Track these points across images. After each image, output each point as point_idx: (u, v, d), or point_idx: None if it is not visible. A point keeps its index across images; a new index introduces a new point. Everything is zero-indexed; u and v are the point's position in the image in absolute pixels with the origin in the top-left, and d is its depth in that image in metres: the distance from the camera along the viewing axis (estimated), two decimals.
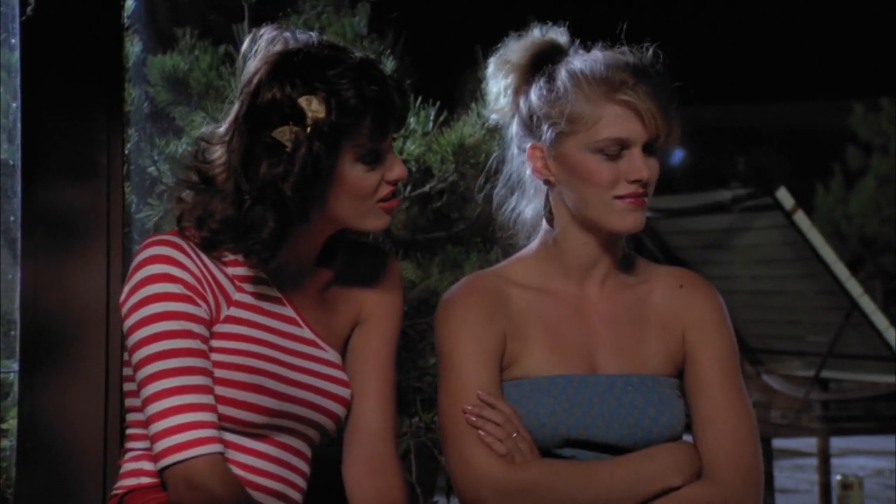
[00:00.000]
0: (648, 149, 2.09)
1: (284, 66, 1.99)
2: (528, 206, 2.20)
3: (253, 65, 2.03)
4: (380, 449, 2.12)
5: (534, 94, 2.13)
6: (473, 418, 2.05)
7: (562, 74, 2.10)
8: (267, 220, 1.98)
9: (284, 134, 1.96)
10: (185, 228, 2.04)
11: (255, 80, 2.00)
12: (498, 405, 2.06)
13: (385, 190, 2.03)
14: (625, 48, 2.13)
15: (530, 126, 2.14)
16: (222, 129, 2.05)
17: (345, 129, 1.97)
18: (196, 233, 2.03)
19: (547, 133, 2.10)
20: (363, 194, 2.02)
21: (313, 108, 1.96)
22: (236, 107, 2.03)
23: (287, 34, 2.05)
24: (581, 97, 2.07)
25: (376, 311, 2.15)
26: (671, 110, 2.08)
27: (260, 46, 2.05)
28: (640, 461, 2.05)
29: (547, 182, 2.15)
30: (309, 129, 1.96)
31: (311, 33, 2.07)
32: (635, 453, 2.06)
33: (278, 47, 2.03)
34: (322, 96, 1.96)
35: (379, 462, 2.11)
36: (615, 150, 2.07)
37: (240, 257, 2.04)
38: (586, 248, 2.14)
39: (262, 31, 2.06)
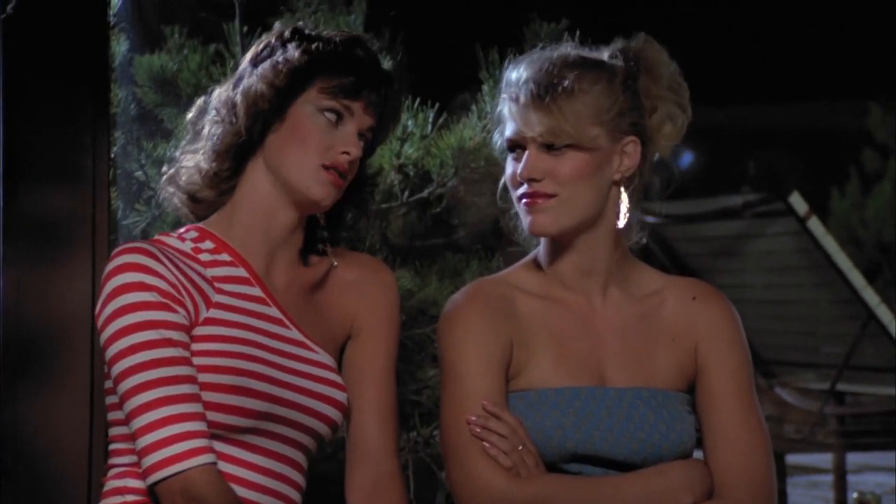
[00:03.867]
0: (552, 146, 2.03)
1: (269, 44, 2.07)
2: None
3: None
4: (381, 468, 2.09)
5: None
6: (478, 429, 2.02)
7: None
8: (216, 132, 2.03)
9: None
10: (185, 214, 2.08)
11: (241, 68, 2.08)
12: (504, 416, 2.03)
13: (333, 157, 2.03)
14: (570, 44, 2.09)
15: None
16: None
17: (314, 66, 2.01)
18: (194, 205, 2.06)
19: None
20: (310, 143, 2.02)
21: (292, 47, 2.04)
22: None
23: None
24: (503, 96, 2.09)
25: (370, 323, 2.12)
26: (583, 106, 2.02)
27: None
28: (649, 478, 2.02)
29: None
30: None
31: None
32: (644, 470, 2.03)
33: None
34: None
35: (381, 483, 2.08)
36: (516, 147, 2.06)
37: (219, 256, 2.03)
38: (547, 255, 2.12)
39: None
